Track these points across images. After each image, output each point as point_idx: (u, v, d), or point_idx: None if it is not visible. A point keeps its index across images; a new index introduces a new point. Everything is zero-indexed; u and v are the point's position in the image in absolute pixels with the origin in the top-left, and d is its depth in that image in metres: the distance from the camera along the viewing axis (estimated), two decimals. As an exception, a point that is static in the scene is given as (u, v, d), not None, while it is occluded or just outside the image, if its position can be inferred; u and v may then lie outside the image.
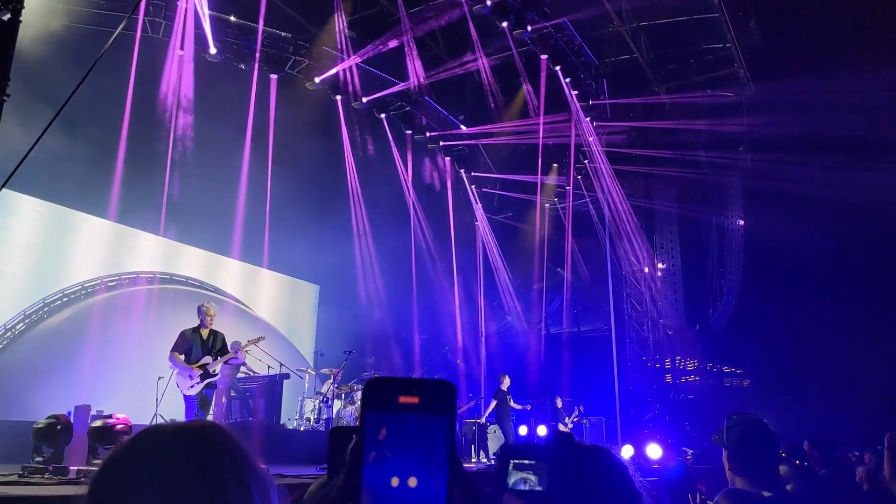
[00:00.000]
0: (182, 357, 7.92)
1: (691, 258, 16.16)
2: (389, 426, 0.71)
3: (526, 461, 1.25)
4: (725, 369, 16.56)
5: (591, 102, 15.23)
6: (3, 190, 5.02)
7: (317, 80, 13.70)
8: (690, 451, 11.30)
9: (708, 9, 13.34)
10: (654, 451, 11.47)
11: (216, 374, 8.05)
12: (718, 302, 16.01)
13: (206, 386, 7.95)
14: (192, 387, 7.85)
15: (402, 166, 16.13)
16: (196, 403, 7.86)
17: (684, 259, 16.21)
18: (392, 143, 15.92)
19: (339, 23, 13.23)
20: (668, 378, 16.81)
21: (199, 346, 8.01)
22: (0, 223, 10.59)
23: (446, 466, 0.70)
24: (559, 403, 14.18)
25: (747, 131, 15.96)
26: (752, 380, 16.02)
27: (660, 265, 16.33)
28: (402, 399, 0.72)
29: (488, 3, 12.11)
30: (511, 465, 1.29)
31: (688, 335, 16.14)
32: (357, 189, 15.68)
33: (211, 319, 8.17)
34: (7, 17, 5.40)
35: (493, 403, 12.16)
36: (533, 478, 1.26)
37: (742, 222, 16.54)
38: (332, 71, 13.72)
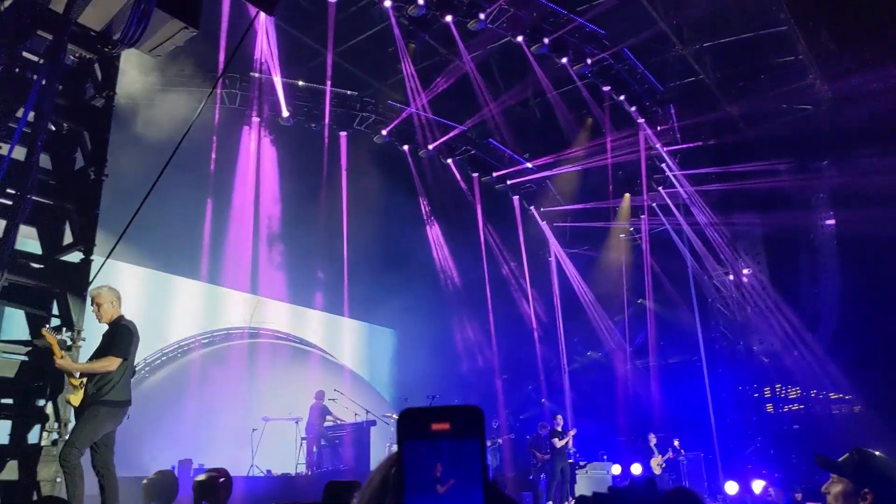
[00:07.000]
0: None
1: (781, 278, 15.29)
2: (425, 452, 0.76)
3: None
4: (832, 395, 15.37)
5: (658, 129, 15.01)
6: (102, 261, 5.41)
7: (383, 132, 14.19)
8: (800, 493, 10.42)
9: (775, 23, 12.95)
10: (759, 487, 10.80)
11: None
12: (817, 323, 15.01)
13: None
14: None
15: (476, 207, 16.32)
16: None
17: (773, 280, 15.38)
18: (463, 187, 16.16)
19: (406, 69, 13.58)
20: (769, 408, 15.82)
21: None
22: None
23: (480, 485, 0.74)
24: (653, 440, 13.35)
25: (829, 142, 15.16)
26: (863, 405, 14.77)
27: (746, 278, 15.50)
28: (435, 426, 0.77)
29: (546, 41, 12.27)
30: None
31: (786, 362, 15.16)
32: (432, 234, 15.95)
33: (97, 308, 5.23)
34: (101, 103, 5.93)
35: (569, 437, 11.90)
36: None
37: (832, 222, 15.34)
38: (397, 123, 14.20)
